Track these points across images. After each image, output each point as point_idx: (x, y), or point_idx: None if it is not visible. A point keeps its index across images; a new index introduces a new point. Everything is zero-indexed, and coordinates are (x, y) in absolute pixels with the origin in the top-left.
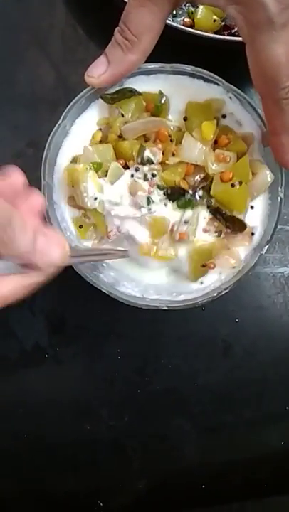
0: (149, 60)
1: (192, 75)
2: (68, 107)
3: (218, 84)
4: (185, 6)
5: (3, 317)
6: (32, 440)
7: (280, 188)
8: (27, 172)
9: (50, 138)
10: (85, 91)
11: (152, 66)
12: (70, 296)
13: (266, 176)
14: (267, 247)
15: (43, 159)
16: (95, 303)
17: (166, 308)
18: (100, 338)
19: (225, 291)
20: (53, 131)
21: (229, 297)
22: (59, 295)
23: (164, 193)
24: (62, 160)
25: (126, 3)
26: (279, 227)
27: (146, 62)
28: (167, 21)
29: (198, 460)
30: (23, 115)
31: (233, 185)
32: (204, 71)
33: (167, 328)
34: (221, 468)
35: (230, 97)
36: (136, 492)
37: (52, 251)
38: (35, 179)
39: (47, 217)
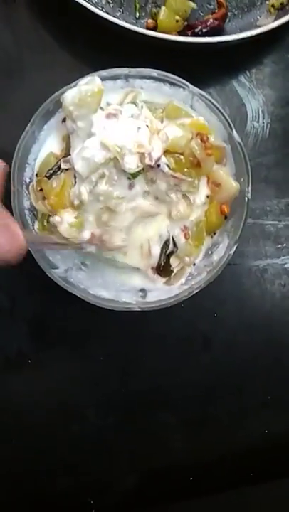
0: (116, 64)
1: (158, 80)
2: (36, 113)
3: (184, 88)
4: (148, 6)
5: None
6: (20, 444)
7: (247, 189)
8: None
9: (19, 144)
10: (52, 97)
11: (119, 71)
12: (50, 301)
13: (232, 184)
14: (236, 246)
15: (12, 165)
16: (74, 306)
17: (138, 309)
18: (82, 340)
19: (196, 290)
20: (21, 138)
21: (207, 293)
22: (39, 300)
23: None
24: (32, 166)
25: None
26: (252, 221)
27: (113, 67)
28: (130, 25)
29: (184, 453)
30: None
31: None
32: (170, 75)
33: (147, 327)
34: (208, 459)
35: (196, 100)
36: (126, 488)
37: (5, 246)
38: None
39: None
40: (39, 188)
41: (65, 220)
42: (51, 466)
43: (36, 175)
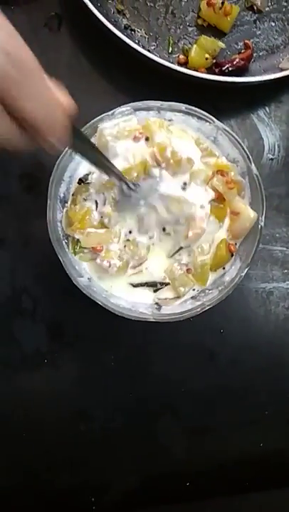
0: (148, 94)
1: (187, 113)
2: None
3: (210, 122)
4: (180, 42)
5: (7, 326)
6: (29, 439)
7: (260, 218)
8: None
9: (58, 162)
10: (91, 122)
11: (152, 104)
12: (69, 307)
13: (250, 214)
14: (247, 269)
15: (50, 181)
16: (91, 314)
17: (153, 320)
18: (96, 345)
19: (208, 307)
20: (60, 156)
21: (215, 310)
22: (59, 306)
23: None
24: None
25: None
26: (262, 246)
27: (146, 98)
28: (163, 60)
29: (184, 459)
30: None
31: None
32: (198, 110)
33: (157, 338)
34: (205, 467)
35: (220, 134)
36: (126, 489)
37: (58, 112)
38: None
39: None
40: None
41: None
42: (56, 463)
43: (72, 194)
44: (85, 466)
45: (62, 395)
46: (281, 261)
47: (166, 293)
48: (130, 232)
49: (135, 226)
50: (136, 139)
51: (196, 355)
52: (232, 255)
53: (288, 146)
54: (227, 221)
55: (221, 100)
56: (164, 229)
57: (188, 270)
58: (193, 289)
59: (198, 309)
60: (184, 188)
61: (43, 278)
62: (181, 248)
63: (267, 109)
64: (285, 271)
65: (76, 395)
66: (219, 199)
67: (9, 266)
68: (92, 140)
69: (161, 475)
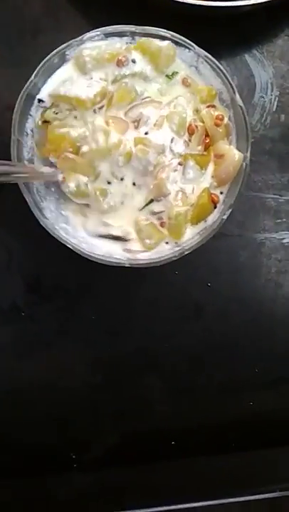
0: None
1: (163, 39)
2: (41, 64)
3: (190, 49)
4: None
5: None
6: (6, 394)
7: (246, 154)
8: None
9: (22, 93)
10: (58, 49)
11: (126, 28)
12: (47, 257)
13: (234, 155)
14: (230, 210)
15: (14, 114)
16: (70, 264)
17: (128, 265)
18: (75, 298)
19: (188, 252)
20: (25, 87)
21: (201, 262)
22: (36, 255)
23: None
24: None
25: None
26: (253, 194)
27: (117, 24)
28: None
29: (168, 418)
30: None
31: None
32: (176, 35)
33: (141, 291)
34: (191, 426)
35: (201, 62)
36: (108, 446)
37: None
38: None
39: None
40: (43, 120)
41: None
42: (35, 420)
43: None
44: (65, 422)
45: (40, 350)
46: (274, 210)
47: (134, 245)
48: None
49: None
50: (119, 62)
51: (181, 309)
52: (215, 207)
53: (282, 85)
54: (211, 167)
55: (208, 34)
56: (134, 184)
57: (162, 223)
58: (166, 242)
59: (177, 254)
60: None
61: (17, 228)
62: (152, 201)
63: (259, 43)
64: (278, 220)
65: (55, 350)
66: (204, 144)
67: None
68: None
69: (144, 433)
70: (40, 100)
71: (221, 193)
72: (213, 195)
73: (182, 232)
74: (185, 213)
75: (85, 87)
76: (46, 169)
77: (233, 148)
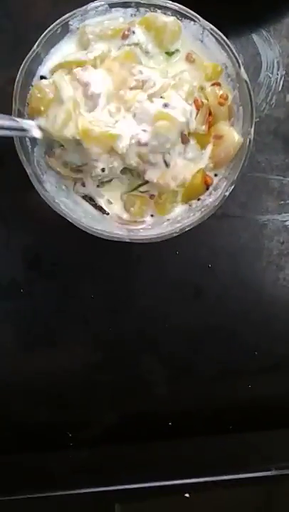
0: None
1: (169, 9)
2: (43, 34)
3: (195, 21)
4: None
5: None
6: (4, 372)
7: (249, 129)
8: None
9: (24, 63)
10: (61, 19)
11: None
12: (47, 234)
13: (234, 138)
14: (232, 187)
15: (16, 83)
16: (71, 242)
17: (128, 240)
18: (75, 276)
19: (188, 228)
20: (27, 57)
21: (203, 242)
22: (35, 232)
23: None
24: None
25: None
26: (256, 174)
27: None
28: None
29: (166, 398)
30: None
31: None
32: (183, 7)
33: (141, 271)
34: (189, 408)
35: (206, 35)
36: (104, 425)
37: None
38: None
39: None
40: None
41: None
42: (33, 398)
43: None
44: (62, 401)
45: (39, 327)
46: (277, 191)
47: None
48: None
49: None
50: (124, 36)
51: (181, 290)
52: (207, 188)
53: None
54: (209, 147)
55: (215, 11)
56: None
57: (151, 196)
58: (152, 215)
59: (177, 231)
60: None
61: (16, 203)
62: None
63: (266, 22)
64: (281, 202)
65: (53, 328)
66: (207, 123)
67: None
68: (72, 37)
69: (141, 413)
70: (42, 77)
71: (216, 175)
72: (207, 177)
73: (168, 209)
74: (174, 193)
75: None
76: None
77: (233, 130)
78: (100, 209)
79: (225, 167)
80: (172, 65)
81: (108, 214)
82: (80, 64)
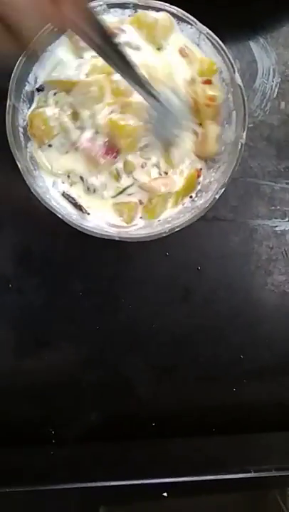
0: None
1: (163, 11)
2: (42, 31)
3: (192, 25)
4: None
5: None
6: None
7: (241, 134)
8: None
9: (20, 59)
10: None
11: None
12: (37, 230)
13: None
14: (223, 190)
15: (11, 79)
16: (61, 238)
17: (118, 238)
18: (64, 273)
19: (178, 229)
20: (23, 53)
21: (193, 245)
22: (25, 227)
23: None
24: (31, 86)
25: None
26: (248, 179)
27: None
28: None
29: (150, 399)
30: None
31: None
32: (180, 10)
33: (130, 270)
34: (173, 409)
35: (203, 39)
36: (88, 423)
37: None
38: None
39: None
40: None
41: None
42: (15, 394)
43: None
44: (45, 397)
45: (25, 322)
46: (268, 197)
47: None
48: None
49: None
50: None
51: (170, 291)
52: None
53: (284, 72)
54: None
55: (213, 17)
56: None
57: (140, 201)
58: (141, 217)
59: (167, 231)
60: None
61: (7, 197)
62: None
63: (263, 29)
64: (272, 208)
65: (39, 324)
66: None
67: None
68: (62, 39)
69: (125, 412)
70: (39, 89)
71: (201, 169)
72: (199, 172)
73: (157, 213)
74: (164, 197)
75: (75, 67)
76: None
77: (213, 123)
78: (80, 208)
79: (216, 166)
80: (163, 57)
81: (89, 214)
82: (73, 84)
